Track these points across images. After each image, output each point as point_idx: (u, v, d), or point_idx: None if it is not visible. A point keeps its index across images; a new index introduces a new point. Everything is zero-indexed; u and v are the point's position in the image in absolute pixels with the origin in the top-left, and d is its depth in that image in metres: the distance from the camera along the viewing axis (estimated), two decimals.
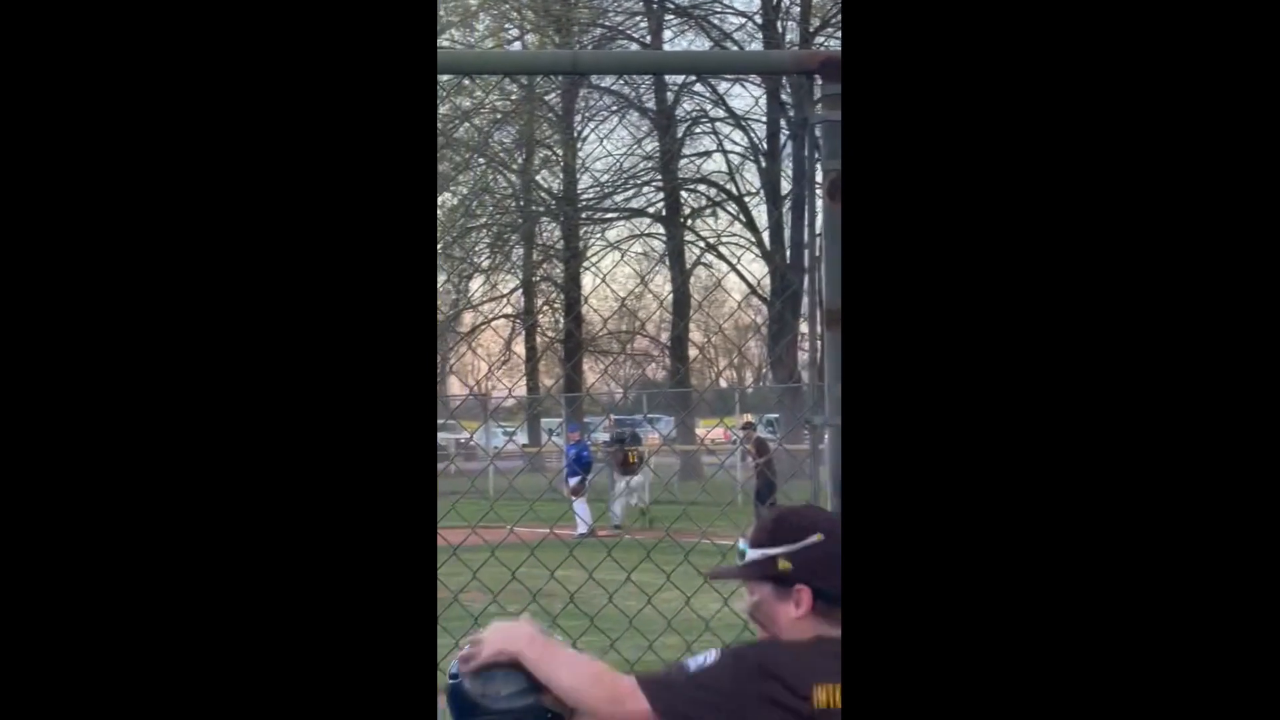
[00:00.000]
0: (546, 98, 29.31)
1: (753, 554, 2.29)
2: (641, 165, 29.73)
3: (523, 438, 30.22)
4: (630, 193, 30.17)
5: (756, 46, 27.71)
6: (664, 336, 31.72)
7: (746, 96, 29.74)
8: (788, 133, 27.98)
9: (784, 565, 2.24)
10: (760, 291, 28.99)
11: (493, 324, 31.81)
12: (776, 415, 25.42)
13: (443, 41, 27.71)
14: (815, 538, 2.24)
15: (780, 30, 28.15)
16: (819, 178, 2.84)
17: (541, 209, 30.36)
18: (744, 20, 29.02)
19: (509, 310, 32.02)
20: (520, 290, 31.96)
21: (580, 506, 18.73)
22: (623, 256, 25.19)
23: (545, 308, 32.62)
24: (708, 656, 2.22)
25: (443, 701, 2.30)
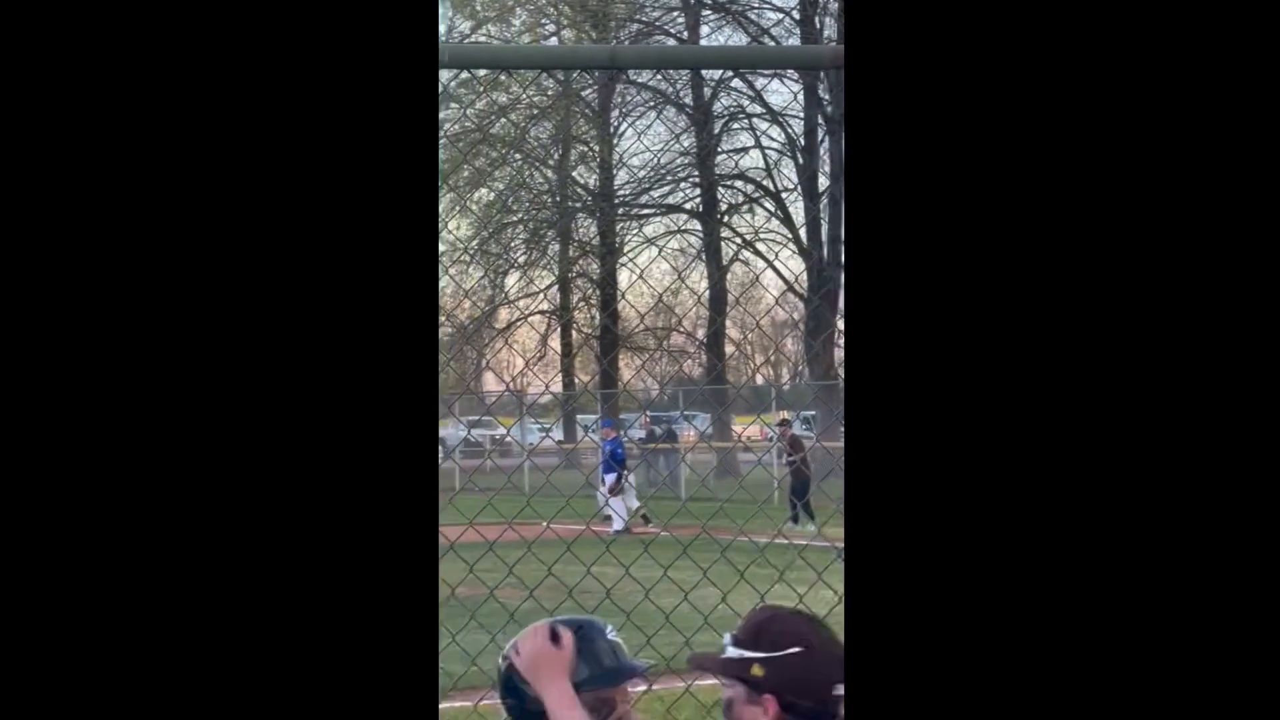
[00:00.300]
0: (583, 93, 29.34)
1: (732, 651, 2.32)
2: (678, 161, 29.72)
3: (558, 434, 30.26)
4: (667, 189, 30.17)
5: (794, 42, 27.65)
6: (700, 333, 31.68)
7: (784, 92, 29.74)
8: (825, 128, 27.92)
9: (757, 671, 2.26)
10: (797, 288, 28.93)
11: (529, 319, 31.88)
12: (814, 412, 25.37)
13: (479, 37, 27.80)
14: (793, 651, 2.26)
15: (818, 25, 28.07)
16: None
17: (578, 205, 30.40)
18: (781, 15, 28.97)
19: (545, 306, 32.07)
20: (556, 286, 32.01)
21: (616, 504, 18.72)
22: (660, 252, 25.17)
23: (581, 304, 32.66)
24: None
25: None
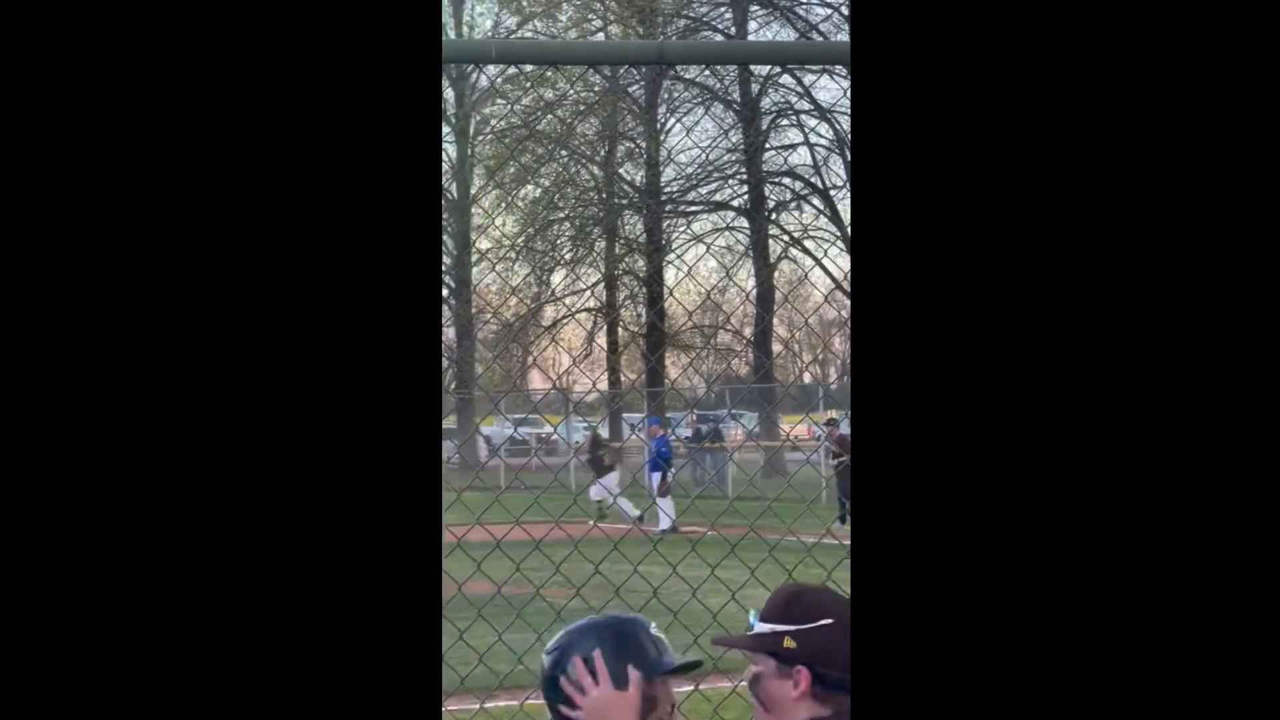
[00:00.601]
0: (630, 89, 29.35)
1: (761, 627, 2.32)
2: (725, 158, 29.67)
3: (604, 432, 30.27)
4: (714, 186, 30.12)
5: (843, 37, 27.52)
6: (747, 331, 31.61)
7: (833, 88, 29.54)
8: None
9: (789, 644, 2.26)
10: (846, 286, 28.78)
11: (575, 316, 31.91)
12: None
13: (525, 32, 27.87)
14: (824, 622, 2.26)
15: None
16: None
17: (624, 202, 30.41)
18: (830, 11, 28.85)
19: (591, 304, 32.10)
20: (602, 283, 32.01)
21: (664, 502, 18.68)
22: (708, 249, 25.19)
23: (628, 301, 32.66)
24: None
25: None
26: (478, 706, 4.87)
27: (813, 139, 29.90)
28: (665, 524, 17.77)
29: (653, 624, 2.43)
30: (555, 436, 28.40)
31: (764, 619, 2.31)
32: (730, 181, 30.14)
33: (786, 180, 30.50)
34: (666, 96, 30.27)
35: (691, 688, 4.53)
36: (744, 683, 2.32)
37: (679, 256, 30.95)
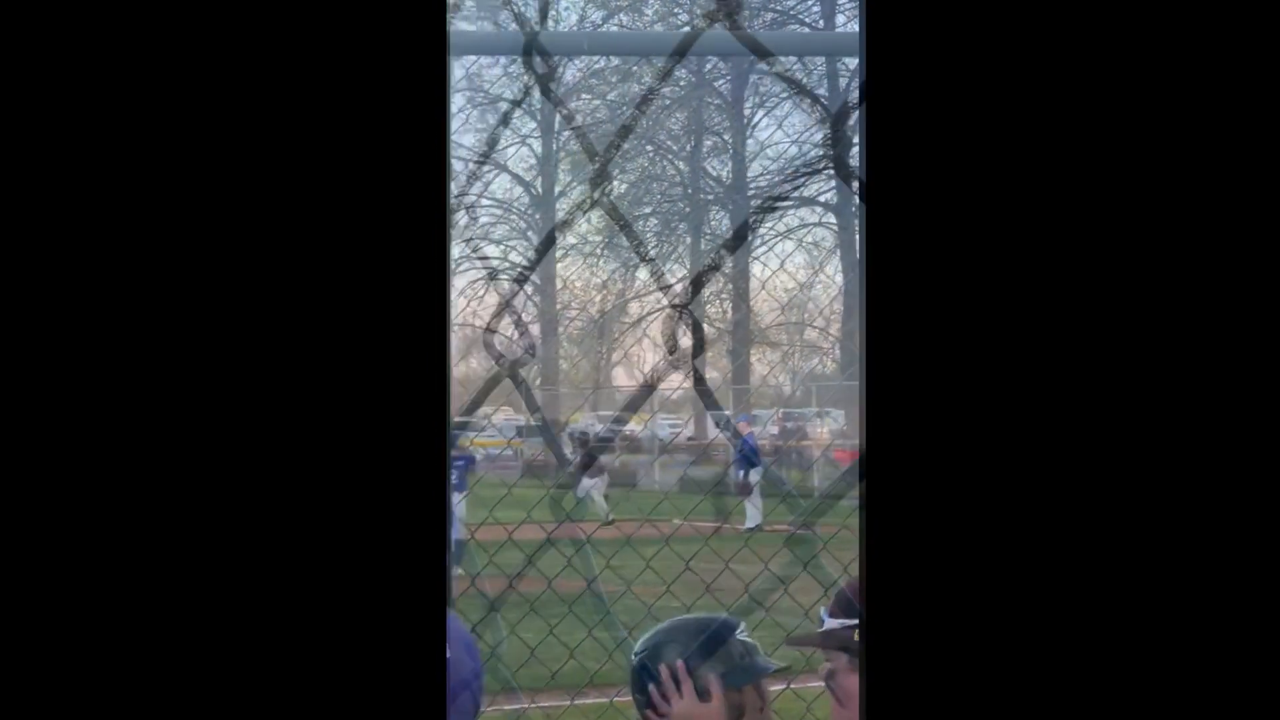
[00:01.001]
0: (716, 84, 29.34)
1: (831, 623, 2.31)
2: (813, 152, 29.53)
3: (690, 430, 30.27)
4: (801, 181, 30.01)
5: None
6: (834, 329, 31.44)
7: None
8: None
9: (859, 636, 2.24)
10: None
11: (661, 312, 31.94)
12: None
13: (610, 27, 27.94)
14: None
15: None
16: None
17: (710, 197, 30.39)
18: None
19: (677, 299, 32.08)
20: (688, 279, 32.03)
21: (752, 499, 18.62)
22: (799, 244, 25.10)
23: (713, 298, 32.66)
24: None
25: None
26: (569, 703, 4.86)
27: None
28: (753, 521, 17.70)
29: (742, 624, 2.38)
30: (641, 433, 28.42)
31: (832, 614, 2.30)
32: (817, 176, 30.00)
33: None
34: (753, 90, 30.20)
35: (783, 686, 4.47)
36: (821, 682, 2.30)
37: (769, 249, 30.87)
